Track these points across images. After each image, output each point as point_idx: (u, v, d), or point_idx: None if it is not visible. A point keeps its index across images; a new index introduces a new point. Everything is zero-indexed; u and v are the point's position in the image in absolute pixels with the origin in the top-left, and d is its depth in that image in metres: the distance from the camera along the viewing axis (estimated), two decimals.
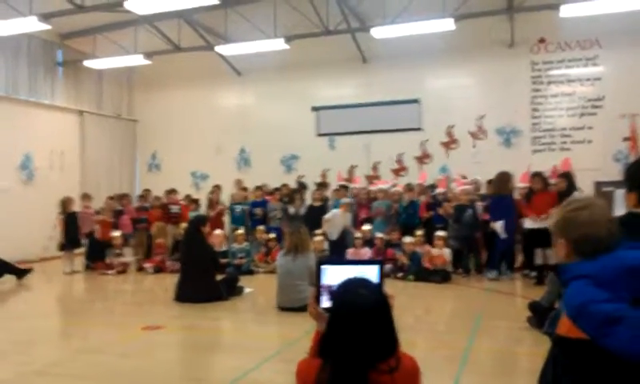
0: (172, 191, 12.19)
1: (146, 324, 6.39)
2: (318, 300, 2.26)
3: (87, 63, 13.58)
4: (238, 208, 11.86)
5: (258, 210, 11.65)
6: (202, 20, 13.14)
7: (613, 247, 1.80)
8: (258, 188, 12.27)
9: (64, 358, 5.30)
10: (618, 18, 10.77)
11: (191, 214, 11.51)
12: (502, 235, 8.80)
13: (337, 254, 9.71)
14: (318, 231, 9.88)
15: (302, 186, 12.47)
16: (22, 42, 12.91)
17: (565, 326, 1.73)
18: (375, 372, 1.82)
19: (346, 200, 10.67)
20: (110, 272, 10.49)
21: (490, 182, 10.09)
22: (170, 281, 8.61)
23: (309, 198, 11.84)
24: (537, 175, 8.85)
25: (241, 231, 10.75)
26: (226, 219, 12.20)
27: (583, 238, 1.84)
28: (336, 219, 10.23)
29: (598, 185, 10.99)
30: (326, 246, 10.04)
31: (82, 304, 8.80)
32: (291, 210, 11.37)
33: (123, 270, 10.67)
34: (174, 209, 11.86)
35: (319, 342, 2.03)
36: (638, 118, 11.42)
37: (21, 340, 5.97)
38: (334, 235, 10.15)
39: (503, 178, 8.98)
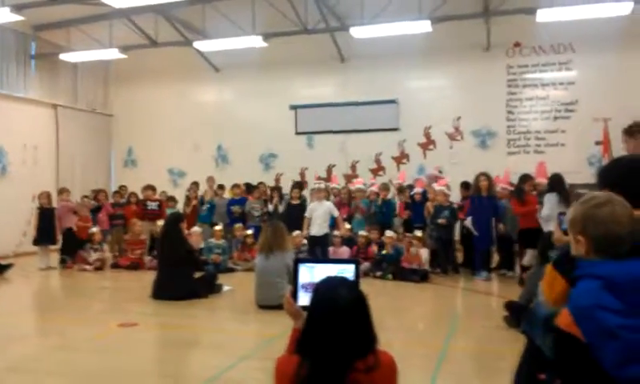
0: (149, 187, 12.04)
1: (121, 321, 6.32)
2: (294, 297, 2.28)
3: (62, 56, 13.34)
4: (205, 206, 11.77)
5: (236, 208, 11.57)
6: (179, 15, 13.01)
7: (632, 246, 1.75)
8: (236, 186, 12.19)
9: (38, 355, 5.22)
10: (591, 24, 11.00)
11: (168, 211, 11.42)
12: (475, 232, 9.00)
13: (316, 252, 9.56)
14: (297, 232, 9.78)
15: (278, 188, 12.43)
16: None
17: (566, 320, 1.69)
18: (352, 370, 1.84)
19: (317, 185, 10.53)
20: (87, 267, 10.33)
21: (463, 184, 10.29)
22: (147, 278, 8.53)
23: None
24: (527, 177, 8.88)
25: (219, 227, 10.68)
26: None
27: (604, 236, 1.78)
28: (316, 211, 9.85)
29: (572, 188, 11.18)
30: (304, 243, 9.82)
31: (57, 300, 8.68)
32: (270, 207, 11.36)
33: (100, 266, 10.51)
34: (152, 205, 11.73)
35: (297, 339, 2.05)
36: (610, 122, 11.64)
37: None
38: (315, 229, 9.72)
39: (478, 179, 9.16)
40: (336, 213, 9.92)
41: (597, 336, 1.60)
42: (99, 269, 10.41)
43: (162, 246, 8.13)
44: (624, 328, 1.57)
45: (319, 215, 9.78)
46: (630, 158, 2.32)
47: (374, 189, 10.75)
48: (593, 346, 1.61)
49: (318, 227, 9.75)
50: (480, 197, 9.02)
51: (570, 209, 1.95)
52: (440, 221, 9.31)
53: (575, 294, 1.73)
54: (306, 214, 9.96)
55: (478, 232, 8.97)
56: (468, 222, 9.18)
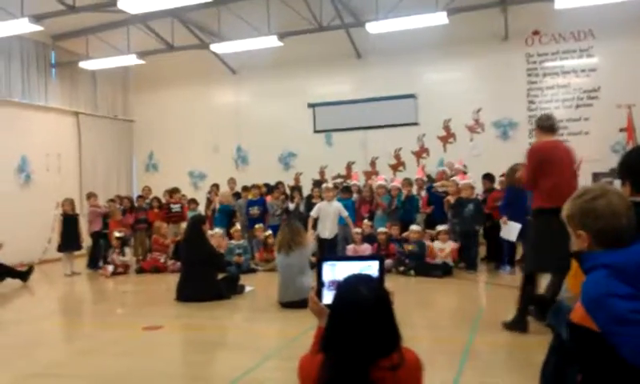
0: (175, 190, 12.22)
1: (146, 324, 6.38)
2: (319, 295, 2.26)
3: (82, 64, 13.53)
4: (225, 208, 11.60)
5: (254, 210, 11.52)
6: (194, 18, 13.10)
7: (633, 235, 1.76)
8: (255, 186, 12.17)
9: (64, 360, 5.29)
10: (611, 9, 10.78)
11: (189, 214, 11.54)
12: (512, 239, 8.46)
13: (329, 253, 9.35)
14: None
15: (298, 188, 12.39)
16: (14, 43, 12.83)
17: (579, 314, 1.70)
18: (377, 368, 1.82)
19: (327, 185, 10.33)
20: (107, 273, 10.46)
21: (487, 176, 10.11)
22: (171, 280, 8.60)
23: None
24: None
25: (237, 228, 10.71)
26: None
27: (604, 230, 1.78)
28: (324, 211, 9.73)
29: (596, 176, 11.01)
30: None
31: (83, 305, 8.80)
32: (291, 206, 11.37)
33: (122, 271, 10.63)
34: (175, 208, 11.85)
35: (321, 338, 2.03)
36: (634, 108, 11.42)
37: (21, 343, 5.95)
38: (326, 232, 9.68)
39: (515, 170, 8.69)
40: (345, 213, 9.76)
41: (610, 324, 1.60)
42: (120, 273, 10.49)
43: (185, 249, 8.20)
44: (636, 312, 1.57)
45: (329, 217, 9.67)
46: None
47: (396, 184, 10.64)
48: (608, 335, 1.60)
49: (329, 231, 9.66)
50: (517, 188, 8.65)
51: (566, 204, 1.93)
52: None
53: (585, 287, 1.73)
54: (312, 214, 9.74)
55: (515, 239, 8.50)
56: (505, 233, 8.57)
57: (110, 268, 10.53)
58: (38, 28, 10.53)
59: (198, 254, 7.77)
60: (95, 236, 11.39)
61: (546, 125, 5.39)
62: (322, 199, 10.19)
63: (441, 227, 9.28)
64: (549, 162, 5.13)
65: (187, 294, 7.55)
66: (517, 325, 5.43)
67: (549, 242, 4.84)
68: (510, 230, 8.37)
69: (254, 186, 12.01)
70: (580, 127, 12.50)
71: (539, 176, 5.17)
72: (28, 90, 13.33)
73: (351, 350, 1.83)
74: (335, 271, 2.28)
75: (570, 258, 2.22)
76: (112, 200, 12.29)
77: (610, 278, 1.63)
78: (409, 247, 9.23)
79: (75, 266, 10.89)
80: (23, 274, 9.94)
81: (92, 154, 14.88)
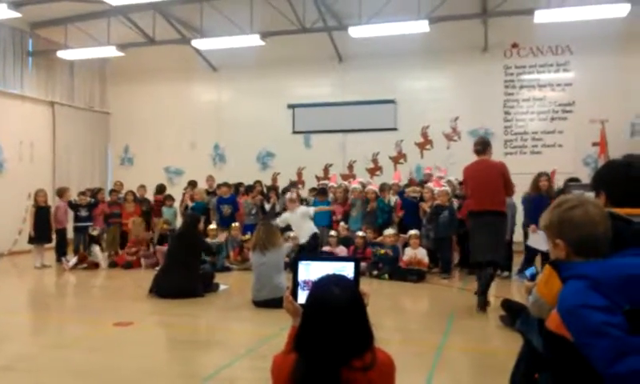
0: (162, 189, 12.46)
1: (117, 320, 6.30)
2: (294, 295, 2.27)
3: (59, 54, 13.31)
4: (198, 206, 11.44)
5: (226, 208, 11.40)
6: (177, 13, 12.99)
7: (609, 245, 1.80)
8: (225, 184, 12.07)
9: (32, 354, 5.19)
10: (589, 26, 11.02)
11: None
12: (543, 248, 7.92)
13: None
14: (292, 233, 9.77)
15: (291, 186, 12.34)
16: None
17: (554, 321, 1.72)
18: (349, 369, 1.84)
19: (290, 195, 10.26)
20: (70, 265, 10.35)
21: (461, 184, 10.25)
22: (143, 277, 8.52)
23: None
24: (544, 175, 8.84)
25: (213, 226, 10.64)
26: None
27: (582, 239, 1.82)
28: (292, 220, 9.70)
29: (568, 188, 11.21)
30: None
31: (53, 299, 8.64)
32: (267, 206, 11.35)
33: (88, 265, 10.48)
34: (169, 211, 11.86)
35: (294, 338, 2.04)
36: (607, 123, 11.69)
37: None
38: (302, 239, 9.56)
39: (538, 179, 8.74)
40: (311, 211, 9.86)
41: (584, 335, 1.62)
42: (86, 268, 10.32)
43: (175, 244, 8.15)
44: (610, 325, 1.58)
45: (297, 223, 9.63)
46: (626, 162, 2.33)
47: (373, 188, 10.71)
48: (581, 346, 1.62)
49: (304, 234, 9.58)
50: (539, 196, 8.53)
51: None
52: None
53: (562, 295, 1.75)
54: (279, 222, 9.56)
55: (545, 248, 8.11)
56: (534, 242, 8.35)
57: (71, 262, 10.36)
58: (16, 14, 10.34)
59: (188, 253, 7.79)
60: (62, 231, 11.15)
61: (474, 149, 7.06)
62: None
63: (412, 232, 9.38)
64: (470, 178, 6.90)
65: (163, 287, 7.51)
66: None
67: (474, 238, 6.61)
68: (540, 239, 8.04)
69: (225, 184, 11.88)
70: (554, 140, 12.75)
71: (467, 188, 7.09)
72: (3, 77, 13.05)
73: (323, 350, 1.85)
74: (310, 271, 2.29)
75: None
76: (83, 193, 12.03)
77: (588, 290, 1.65)
78: (381, 251, 9.29)
79: (46, 259, 10.70)
80: None
81: (66, 144, 14.62)
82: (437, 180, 10.32)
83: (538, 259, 8.37)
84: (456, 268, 9.77)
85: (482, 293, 6.59)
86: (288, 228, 9.67)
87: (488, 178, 6.57)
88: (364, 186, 10.89)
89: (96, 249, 10.78)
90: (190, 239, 7.99)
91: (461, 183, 10.27)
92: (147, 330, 6.31)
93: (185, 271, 7.61)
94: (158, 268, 8.84)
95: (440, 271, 9.36)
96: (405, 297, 8.13)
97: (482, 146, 6.86)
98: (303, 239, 9.55)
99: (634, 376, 1.54)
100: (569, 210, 1.87)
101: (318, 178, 13.60)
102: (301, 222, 9.66)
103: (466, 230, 9.41)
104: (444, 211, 9.36)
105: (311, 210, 9.94)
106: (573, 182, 8.08)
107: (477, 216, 6.59)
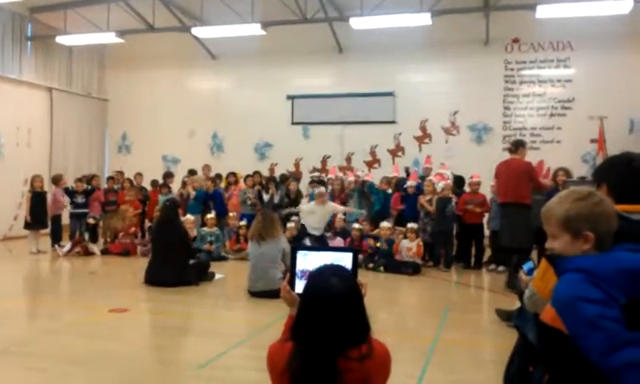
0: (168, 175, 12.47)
1: (112, 306, 6.31)
2: (292, 284, 2.27)
3: (58, 39, 13.23)
4: (199, 194, 11.44)
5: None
6: (177, 0, 12.91)
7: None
8: (218, 177, 11.98)
9: (27, 338, 5.20)
10: (591, 22, 11.01)
11: (161, 198, 11.39)
12: None
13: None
14: (294, 218, 9.78)
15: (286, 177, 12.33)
16: None
17: (550, 315, 1.71)
18: (345, 358, 1.83)
19: (320, 189, 10.25)
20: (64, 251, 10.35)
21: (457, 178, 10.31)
22: (139, 264, 8.51)
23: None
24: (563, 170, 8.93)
25: (211, 216, 10.63)
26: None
27: (610, 232, 1.83)
28: (317, 211, 9.67)
29: (566, 184, 11.22)
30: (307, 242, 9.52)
31: (48, 284, 8.64)
32: (265, 197, 11.34)
33: (84, 252, 10.47)
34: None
35: (291, 327, 2.04)
36: (606, 120, 11.69)
37: None
38: (318, 231, 9.61)
39: (557, 174, 8.96)
40: (340, 210, 10.02)
41: (578, 327, 1.61)
42: (80, 254, 10.31)
43: (157, 232, 8.11)
44: (605, 318, 1.58)
45: (321, 217, 9.65)
46: (627, 157, 2.33)
47: (370, 178, 10.80)
48: (575, 338, 1.62)
49: (320, 228, 9.68)
50: (556, 189, 8.62)
51: (564, 205, 1.93)
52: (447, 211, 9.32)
53: (557, 288, 1.75)
54: (302, 209, 9.90)
55: None
56: None
57: (65, 248, 10.35)
58: None
59: (171, 238, 7.70)
60: (57, 218, 11.12)
61: (508, 148, 7.96)
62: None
63: (411, 225, 9.39)
64: (499, 174, 7.77)
65: (156, 277, 7.48)
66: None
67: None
68: None
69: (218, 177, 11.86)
70: (553, 136, 12.75)
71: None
72: (1, 61, 12.96)
73: (320, 340, 1.85)
74: (307, 261, 2.29)
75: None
76: (79, 179, 11.99)
77: (584, 282, 1.65)
78: (377, 244, 9.30)
79: (41, 244, 10.68)
80: None
81: (64, 130, 14.57)
82: (440, 174, 10.33)
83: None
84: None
85: (511, 275, 7.27)
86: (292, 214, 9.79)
87: (513, 175, 7.43)
88: (358, 178, 10.95)
89: (89, 240, 10.75)
90: (168, 226, 7.87)
91: (456, 177, 10.40)
92: (143, 317, 6.33)
93: (173, 259, 7.54)
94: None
95: (441, 264, 9.37)
96: (400, 290, 8.15)
97: (514, 145, 7.71)
98: (318, 232, 9.57)
99: (629, 369, 1.54)
100: (599, 202, 1.85)
101: (315, 170, 13.58)
102: (325, 217, 9.73)
103: (462, 224, 9.53)
104: (449, 204, 9.38)
105: (340, 208, 10.01)
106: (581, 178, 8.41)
107: (503, 207, 7.64)
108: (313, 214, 9.66)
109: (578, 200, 1.88)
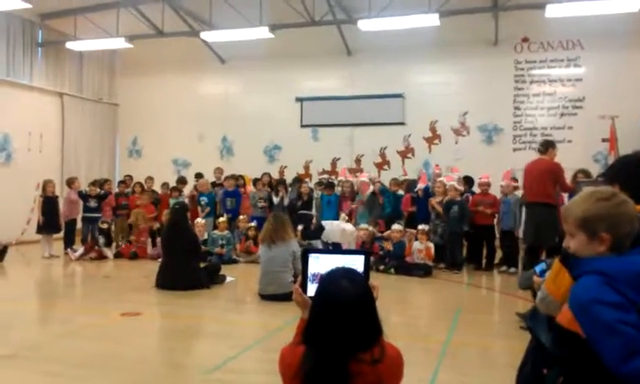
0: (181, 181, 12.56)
1: (124, 310, 6.33)
2: (304, 287, 2.26)
3: (69, 45, 13.34)
4: (204, 199, 11.47)
5: (229, 200, 11.45)
6: (186, 5, 12.98)
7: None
8: (232, 177, 12.02)
9: (39, 342, 5.22)
10: (600, 21, 10.93)
11: (172, 202, 11.42)
12: None
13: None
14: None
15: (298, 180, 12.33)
16: (1, 20, 12.59)
17: (567, 318, 1.70)
18: (357, 362, 1.83)
19: (362, 178, 10.41)
20: (77, 256, 10.42)
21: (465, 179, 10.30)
22: (150, 267, 8.55)
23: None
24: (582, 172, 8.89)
25: (223, 219, 10.66)
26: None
27: (630, 234, 1.79)
28: (339, 233, 9.61)
29: (578, 184, 11.14)
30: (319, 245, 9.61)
31: (60, 288, 8.71)
32: (275, 200, 11.35)
33: (98, 256, 10.53)
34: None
35: (303, 330, 2.04)
36: (617, 119, 11.59)
37: None
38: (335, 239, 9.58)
39: (576, 176, 8.82)
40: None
41: (596, 331, 1.60)
42: (94, 258, 10.36)
43: (167, 235, 8.13)
44: (623, 322, 1.56)
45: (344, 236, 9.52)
46: (638, 156, 2.30)
47: (363, 178, 10.83)
48: (592, 342, 1.60)
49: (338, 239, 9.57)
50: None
51: (583, 205, 1.90)
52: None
53: (575, 291, 1.73)
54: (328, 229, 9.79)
55: None
56: None
57: (78, 252, 10.42)
58: (26, 5, 10.37)
59: (181, 241, 7.73)
60: (71, 222, 11.20)
61: (538, 149, 8.02)
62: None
63: (421, 227, 9.35)
64: (526, 174, 7.78)
65: (167, 281, 7.50)
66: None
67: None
68: None
69: (232, 177, 11.86)
70: (563, 135, 12.65)
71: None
72: (13, 67, 13.10)
73: (332, 343, 1.84)
74: (319, 264, 2.28)
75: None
76: (93, 183, 12.05)
77: (602, 285, 1.63)
78: (388, 246, 9.27)
79: (54, 249, 10.76)
80: None
81: (75, 135, 14.69)
82: (450, 176, 10.29)
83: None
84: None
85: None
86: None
87: (538, 175, 7.53)
88: (372, 180, 10.92)
89: (104, 244, 10.82)
90: (178, 230, 7.88)
91: (465, 177, 10.40)
92: (155, 320, 6.35)
93: (184, 263, 7.55)
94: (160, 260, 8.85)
95: (448, 267, 9.31)
96: (411, 292, 8.12)
97: (544, 146, 7.79)
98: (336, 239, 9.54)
99: None
100: (621, 204, 1.82)
101: (325, 172, 13.57)
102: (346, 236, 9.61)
103: (471, 226, 9.47)
104: (454, 206, 9.34)
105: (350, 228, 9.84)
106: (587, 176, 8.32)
107: (527, 206, 7.78)
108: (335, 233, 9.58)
109: (598, 200, 1.85)
